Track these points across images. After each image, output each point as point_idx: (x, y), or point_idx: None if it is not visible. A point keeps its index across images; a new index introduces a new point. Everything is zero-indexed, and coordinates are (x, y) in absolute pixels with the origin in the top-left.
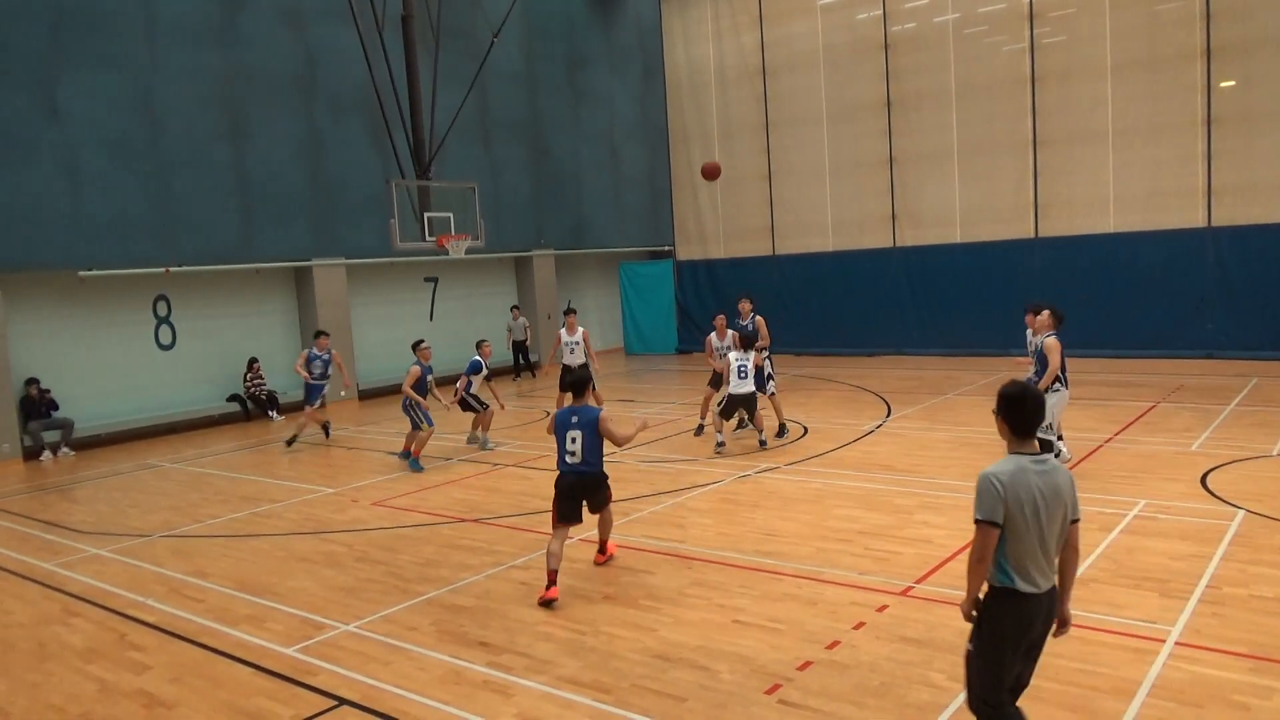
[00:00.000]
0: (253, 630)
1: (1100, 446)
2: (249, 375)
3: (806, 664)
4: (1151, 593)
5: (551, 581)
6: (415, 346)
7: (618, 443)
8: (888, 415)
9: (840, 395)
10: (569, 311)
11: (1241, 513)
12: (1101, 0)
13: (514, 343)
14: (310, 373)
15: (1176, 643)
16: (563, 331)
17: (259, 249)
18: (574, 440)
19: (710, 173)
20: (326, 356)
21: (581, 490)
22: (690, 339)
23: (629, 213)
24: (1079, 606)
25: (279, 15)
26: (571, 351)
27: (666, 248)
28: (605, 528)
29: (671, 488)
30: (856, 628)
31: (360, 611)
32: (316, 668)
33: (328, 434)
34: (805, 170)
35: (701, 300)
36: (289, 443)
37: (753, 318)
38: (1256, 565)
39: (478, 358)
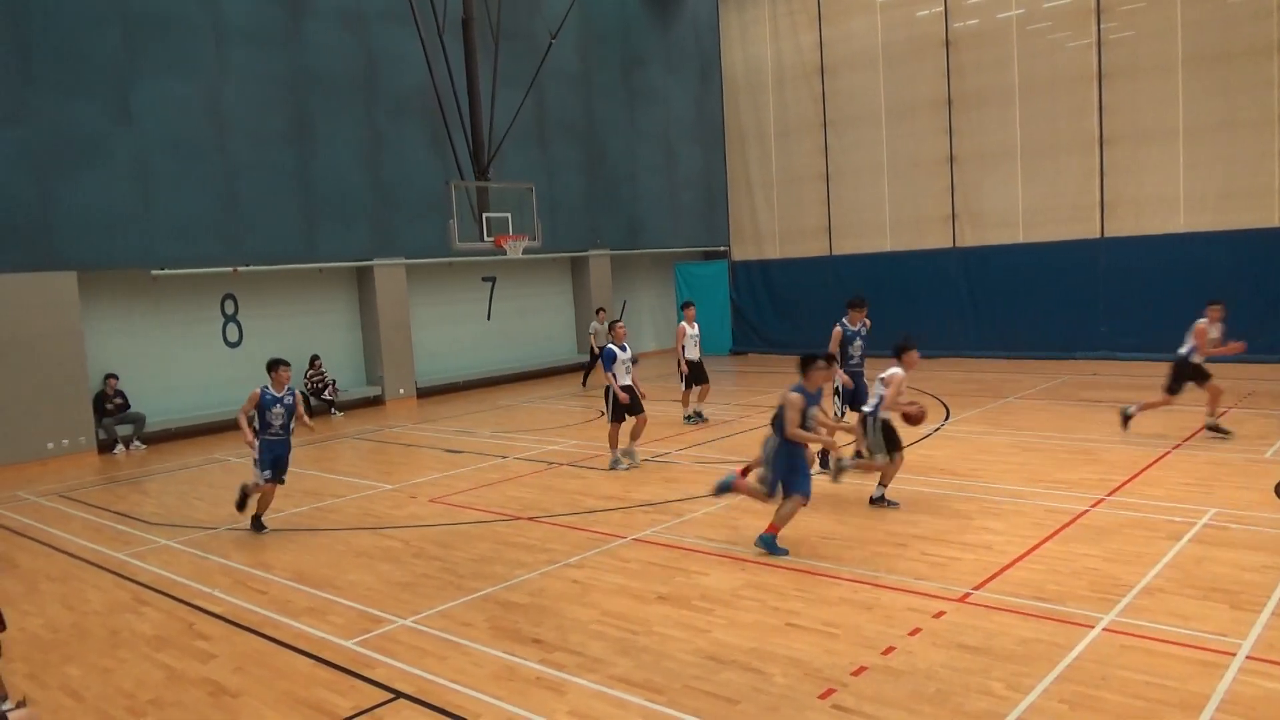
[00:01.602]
0: (313, 622)
1: (1169, 452)
2: (310, 372)
3: (861, 669)
4: (1221, 604)
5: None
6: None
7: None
8: (946, 418)
9: None
10: (689, 304)
11: None
12: None
13: (596, 346)
14: (267, 423)
15: (1247, 656)
16: (684, 324)
17: (321, 249)
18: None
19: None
20: (289, 399)
21: None
22: (745, 339)
23: (684, 213)
24: (1143, 616)
25: (341, 19)
26: (696, 345)
27: (722, 248)
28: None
29: None
30: (913, 634)
31: (417, 606)
32: (374, 661)
33: (259, 527)
34: (863, 170)
35: (756, 301)
36: (255, 526)
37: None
38: None
39: (611, 345)
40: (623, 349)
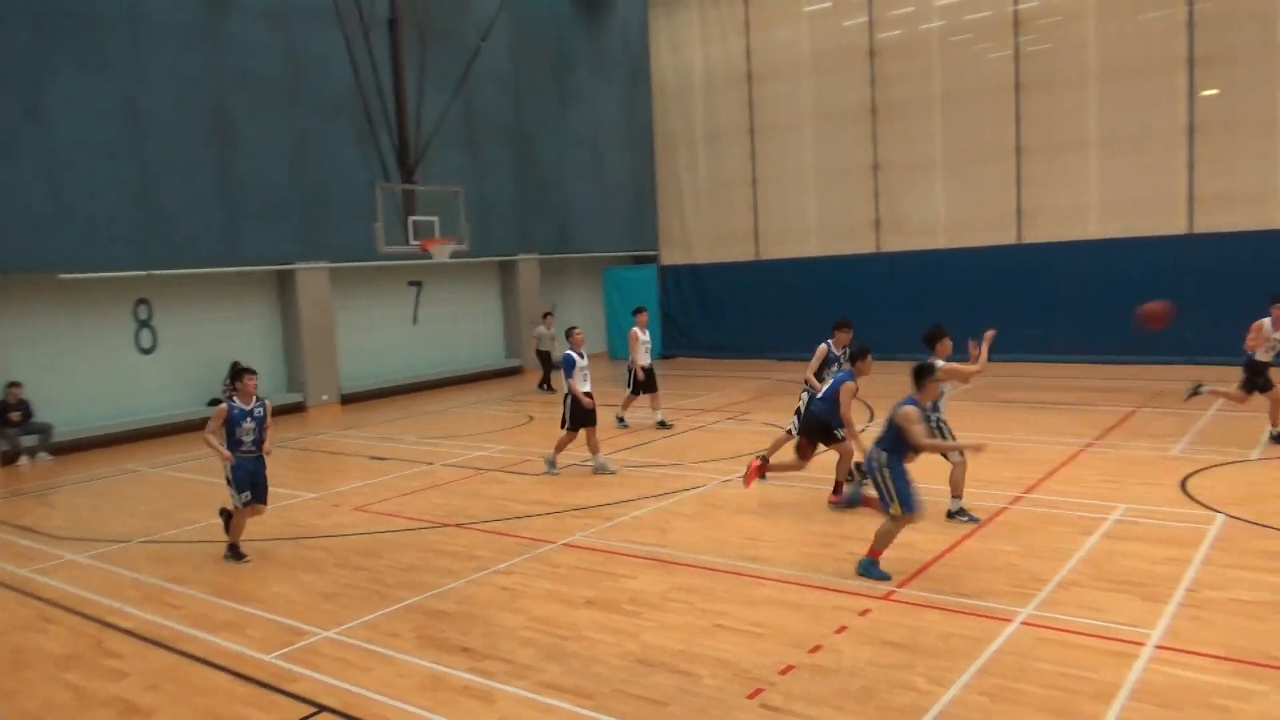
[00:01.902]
0: (232, 637)
1: (1081, 451)
2: (230, 379)
3: (788, 668)
4: (1132, 596)
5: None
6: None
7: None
8: (870, 420)
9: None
10: (640, 310)
11: (1221, 517)
12: (1087, 9)
13: (540, 352)
14: (236, 441)
15: (1157, 646)
16: (636, 330)
17: (243, 252)
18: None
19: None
20: (260, 412)
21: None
22: (675, 344)
23: (614, 217)
24: (1059, 609)
25: (264, 17)
26: (646, 351)
27: (651, 253)
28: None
29: (655, 492)
30: (839, 632)
31: (341, 617)
32: (296, 674)
33: (237, 555)
34: (790, 176)
35: (685, 305)
36: (233, 555)
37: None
38: (1236, 569)
39: (570, 352)
40: (580, 355)
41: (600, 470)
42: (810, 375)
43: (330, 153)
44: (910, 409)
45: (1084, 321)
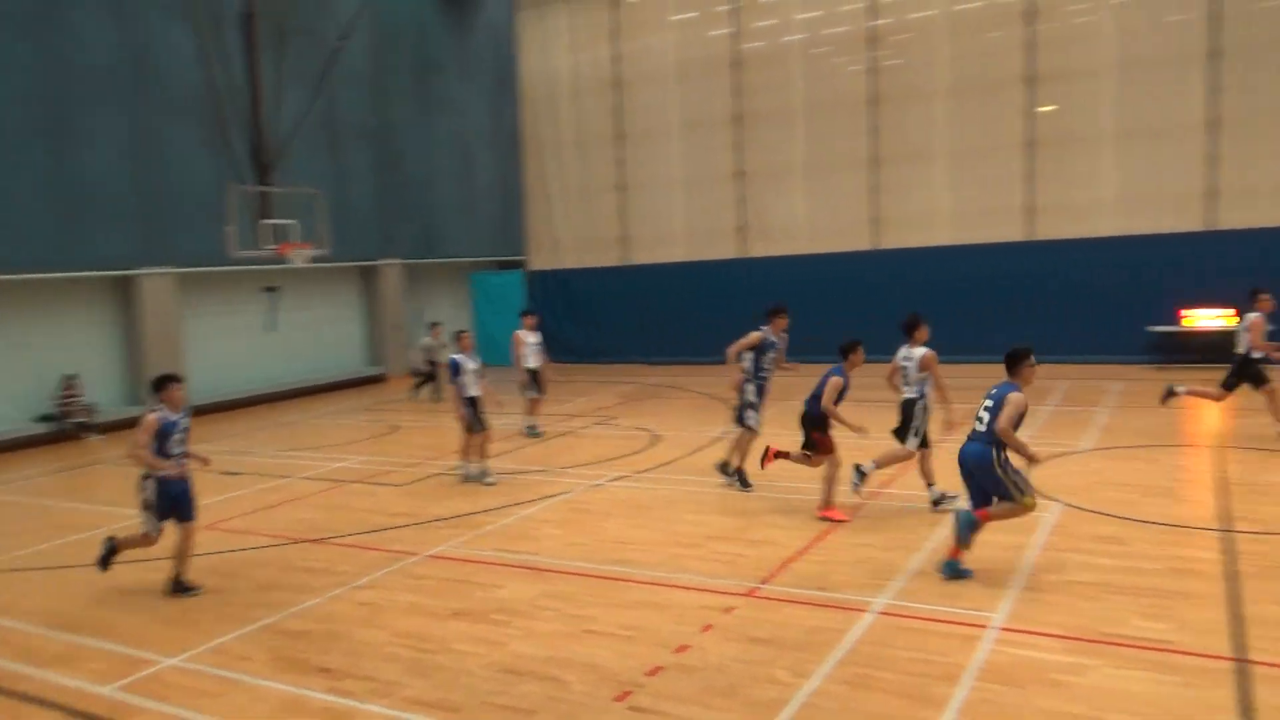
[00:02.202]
0: (65, 671)
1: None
2: (64, 393)
3: (656, 669)
4: (978, 583)
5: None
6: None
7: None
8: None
9: (692, 403)
10: (529, 313)
11: (1058, 505)
12: (937, 27)
13: (429, 363)
14: (165, 454)
15: (1000, 628)
16: (522, 332)
17: (79, 256)
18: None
19: None
20: (186, 422)
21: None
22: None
23: (480, 222)
24: (913, 598)
25: (106, 6)
26: (535, 353)
27: (519, 258)
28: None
29: (523, 499)
30: (705, 630)
31: (188, 643)
32: (139, 707)
33: (183, 589)
34: (658, 182)
35: (554, 311)
36: (178, 588)
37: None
38: (1071, 553)
39: (456, 356)
40: (469, 359)
41: (477, 479)
42: (732, 351)
43: (177, 153)
44: (1018, 396)
45: (936, 323)
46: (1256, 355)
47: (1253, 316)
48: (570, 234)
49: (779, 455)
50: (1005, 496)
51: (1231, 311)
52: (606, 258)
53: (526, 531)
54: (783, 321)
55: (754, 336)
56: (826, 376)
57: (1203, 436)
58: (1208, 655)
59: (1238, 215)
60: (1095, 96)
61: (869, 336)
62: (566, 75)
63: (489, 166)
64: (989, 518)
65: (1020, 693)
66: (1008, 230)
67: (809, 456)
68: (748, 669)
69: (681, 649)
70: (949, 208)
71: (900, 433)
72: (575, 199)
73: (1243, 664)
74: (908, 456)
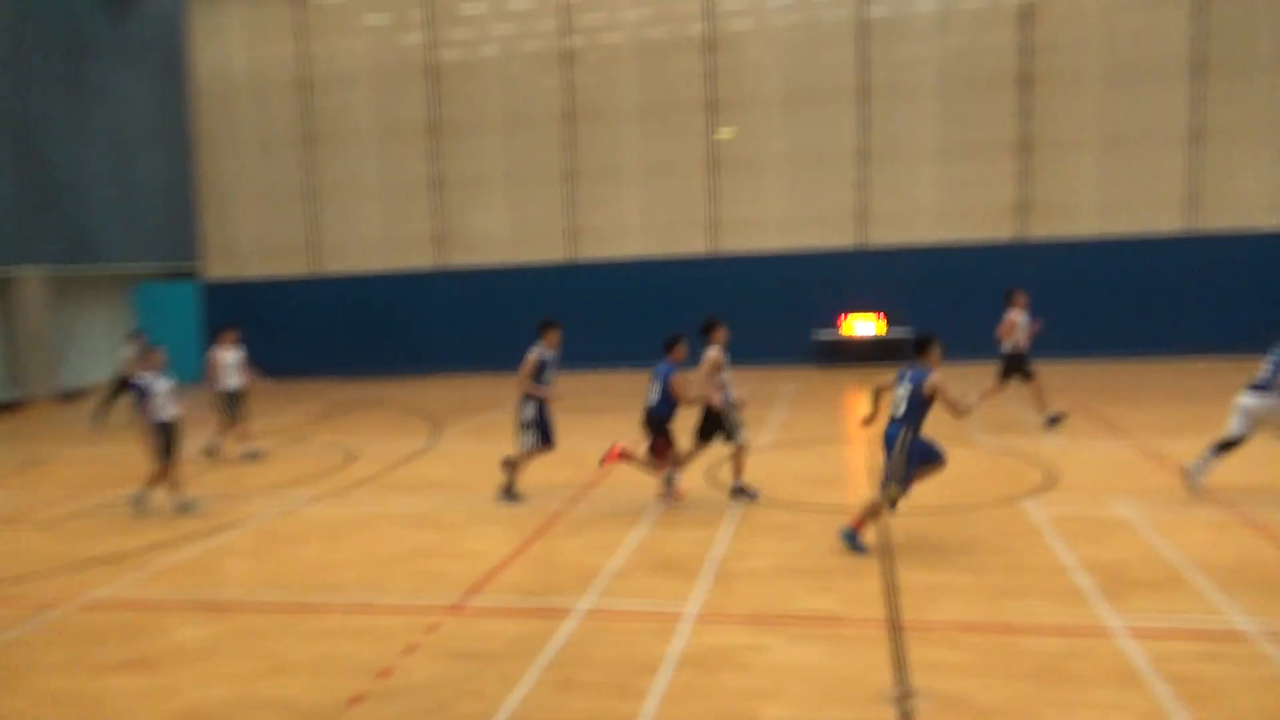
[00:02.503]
0: None
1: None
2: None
3: (358, 698)
4: (673, 577)
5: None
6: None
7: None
8: (435, 435)
9: (388, 418)
10: (225, 327)
11: (742, 500)
12: (623, 50)
13: (122, 380)
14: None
15: (694, 618)
16: (218, 350)
17: None
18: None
19: None
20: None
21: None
22: None
23: (145, 226)
24: (615, 597)
25: None
26: (236, 371)
27: (191, 267)
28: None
29: (203, 530)
30: (408, 651)
31: None
32: None
33: None
34: (351, 188)
35: (234, 323)
36: None
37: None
38: (753, 541)
39: (140, 378)
40: (158, 379)
41: (183, 510)
42: (526, 380)
43: None
44: (939, 379)
45: (630, 334)
46: (1013, 350)
47: (1011, 315)
48: (253, 241)
49: (623, 456)
50: (884, 479)
51: (880, 317)
52: (294, 267)
53: (207, 565)
54: (555, 335)
55: (533, 357)
56: (666, 377)
57: (865, 430)
58: (868, 622)
59: (885, 232)
60: (767, 124)
61: (566, 346)
62: (245, 71)
63: (156, 165)
64: (861, 523)
65: (712, 676)
66: (693, 244)
67: (656, 459)
68: (454, 685)
69: (384, 674)
70: (639, 222)
71: (706, 435)
72: (258, 204)
73: (897, 627)
74: (741, 451)
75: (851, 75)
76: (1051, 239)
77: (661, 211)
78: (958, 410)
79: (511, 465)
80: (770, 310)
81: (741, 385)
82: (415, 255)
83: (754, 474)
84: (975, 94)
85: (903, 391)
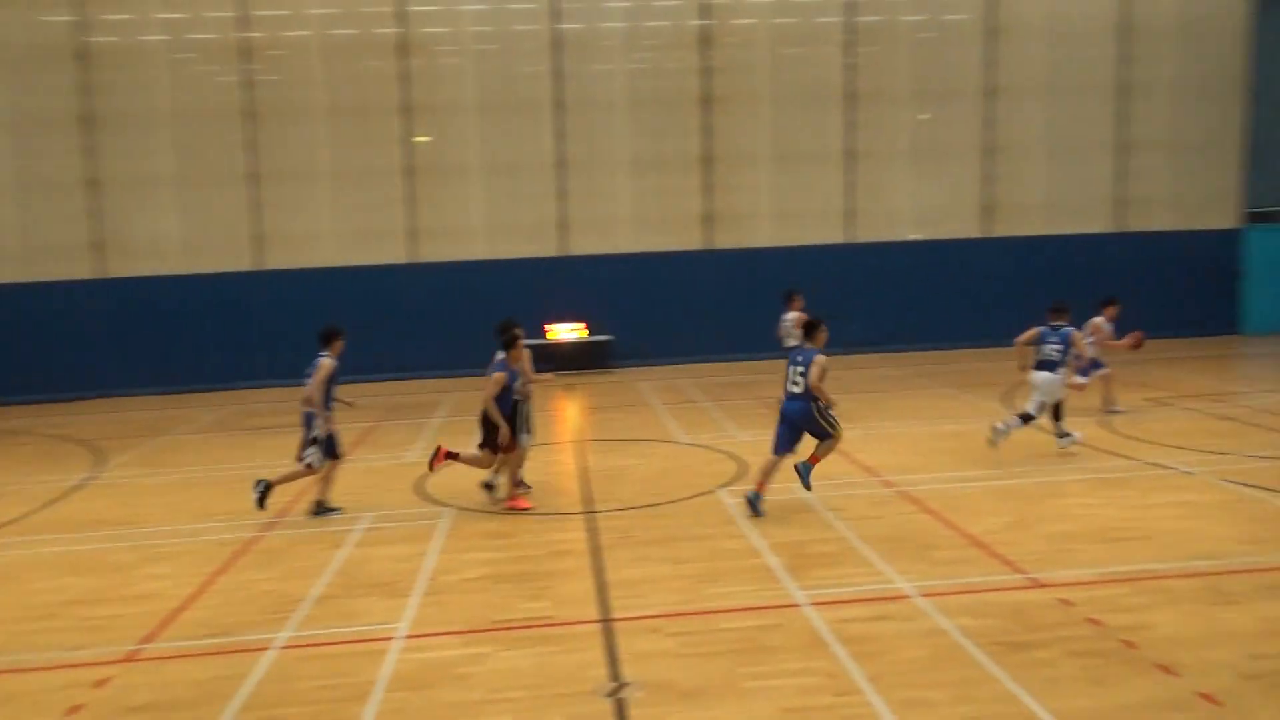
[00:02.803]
0: None
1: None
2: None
3: None
4: (381, 597)
5: None
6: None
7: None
8: (99, 466)
9: (37, 449)
10: None
11: (450, 509)
12: (312, 47)
13: None
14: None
15: (405, 636)
16: None
17: None
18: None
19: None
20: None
21: None
22: None
23: None
24: (317, 625)
25: None
26: None
27: None
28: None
29: None
30: (72, 713)
31: None
32: None
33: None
34: None
35: None
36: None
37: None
38: (464, 552)
39: None
40: None
41: None
42: (316, 395)
43: None
44: (824, 358)
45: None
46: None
47: (790, 316)
48: None
49: (449, 456)
50: (824, 436)
51: (582, 325)
52: None
53: None
54: (339, 344)
55: (325, 366)
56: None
57: (569, 433)
58: (581, 622)
59: (585, 241)
60: (465, 132)
61: (250, 360)
62: None
63: None
64: (818, 459)
65: (428, 693)
66: (391, 252)
67: (486, 453)
68: None
69: None
70: (331, 228)
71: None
72: None
73: (608, 623)
74: (517, 453)
75: (547, 86)
76: (735, 247)
77: (358, 218)
78: (817, 390)
79: (279, 481)
80: (474, 319)
81: (450, 395)
82: (67, 264)
83: (455, 484)
84: (664, 110)
85: (798, 370)
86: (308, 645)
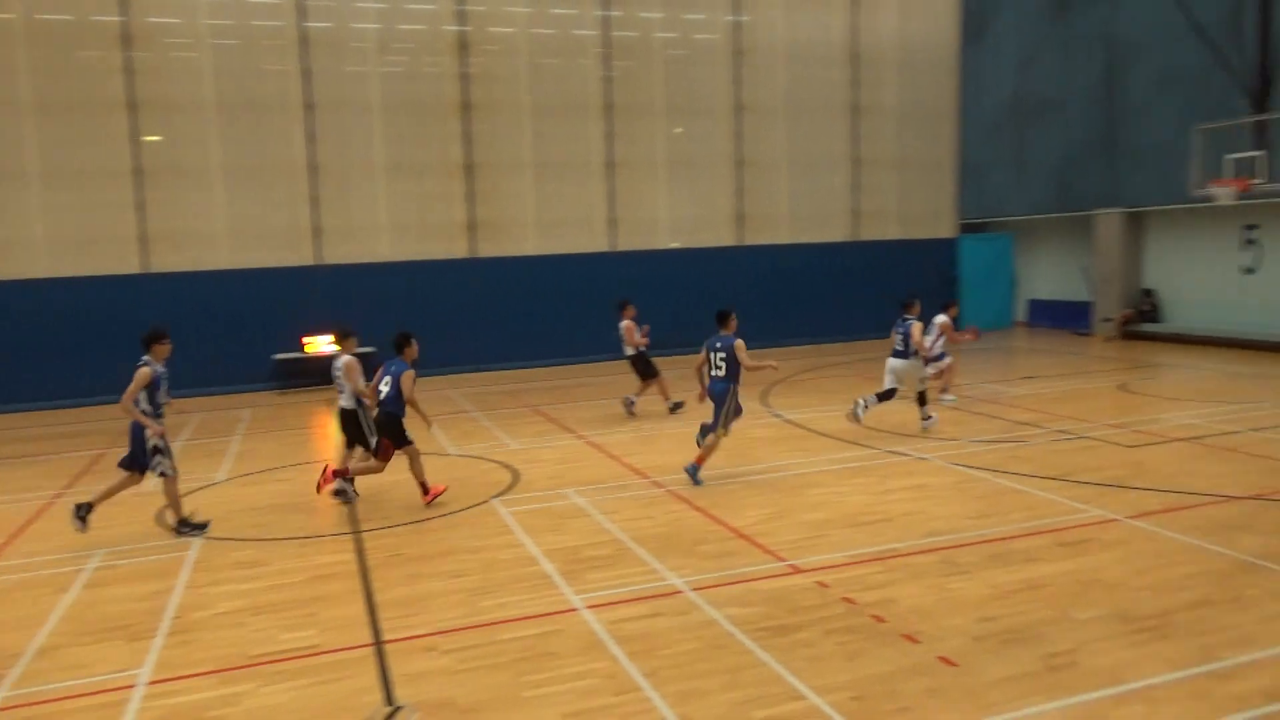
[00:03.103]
0: None
1: (50, 504)
2: None
3: None
4: (118, 641)
5: None
6: None
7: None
8: None
9: None
10: None
11: (197, 540)
12: (16, 33)
13: None
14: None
15: (149, 682)
16: None
17: None
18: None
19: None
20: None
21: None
22: None
23: None
24: (41, 680)
25: None
26: None
27: None
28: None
29: None
30: None
31: None
32: None
33: None
34: None
35: None
36: None
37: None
38: (215, 585)
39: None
40: None
41: None
42: (129, 402)
43: None
44: (740, 342)
45: (48, 365)
46: (635, 352)
47: (624, 324)
48: None
49: (338, 474)
50: (723, 422)
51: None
52: None
53: None
54: (165, 349)
55: (144, 373)
56: (398, 374)
57: (326, 453)
58: (351, 648)
59: (341, 249)
60: (203, 131)
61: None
62: None
63: None
64: (703, 459)
65: None
66: (122, 262)
67: (375, 457)
68: None
69: None
70: (44, 234)
71: (359, 439)
72: None
73: (380, 646)
74: (383, 462)
75: (295, 87)
76: (501, 255)
77: (81, 223)
78: (750, 368)
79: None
80: (223, 332)
81: (196, 414)
82: None
83: (211, 510)
84: (422, 115)
85: (719, 356)
86: (30, 704)
